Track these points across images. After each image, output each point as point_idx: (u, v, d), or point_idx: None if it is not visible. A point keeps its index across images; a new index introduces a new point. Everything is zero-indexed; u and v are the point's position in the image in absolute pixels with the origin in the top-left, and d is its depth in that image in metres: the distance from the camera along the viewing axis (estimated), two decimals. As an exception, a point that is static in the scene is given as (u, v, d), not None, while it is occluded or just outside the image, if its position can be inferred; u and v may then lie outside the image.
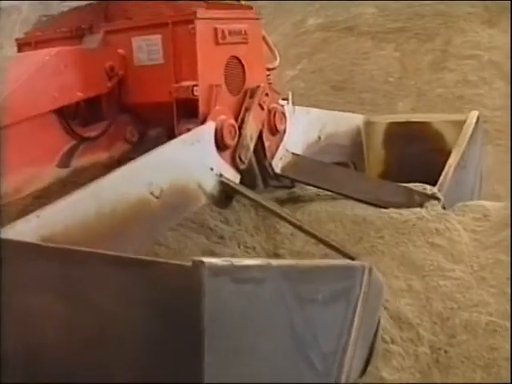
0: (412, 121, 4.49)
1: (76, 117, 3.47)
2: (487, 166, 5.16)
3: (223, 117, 3.31)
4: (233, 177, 3.34)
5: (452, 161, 3.91)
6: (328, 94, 8.94)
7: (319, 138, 4.09)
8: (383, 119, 4.62)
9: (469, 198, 3.94)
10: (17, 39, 4.09)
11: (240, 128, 3.40)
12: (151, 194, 2.79)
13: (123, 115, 3.60)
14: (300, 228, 3.19)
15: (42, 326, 2.02)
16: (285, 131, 3.76)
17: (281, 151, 3.70)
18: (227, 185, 3.24)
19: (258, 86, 3.55)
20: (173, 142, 3.10)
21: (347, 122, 4.47)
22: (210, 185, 3.20)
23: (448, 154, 3.99)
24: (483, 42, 8.63)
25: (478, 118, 4.29)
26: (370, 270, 2.58)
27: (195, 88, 3.21)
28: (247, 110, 3.45)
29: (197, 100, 3.23)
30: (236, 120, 3.39)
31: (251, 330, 1.93)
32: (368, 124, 4.53)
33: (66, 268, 1.97)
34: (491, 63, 8.26)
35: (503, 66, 8.11)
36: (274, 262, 2.07)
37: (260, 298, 1.93)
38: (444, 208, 3.52)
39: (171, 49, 3.33)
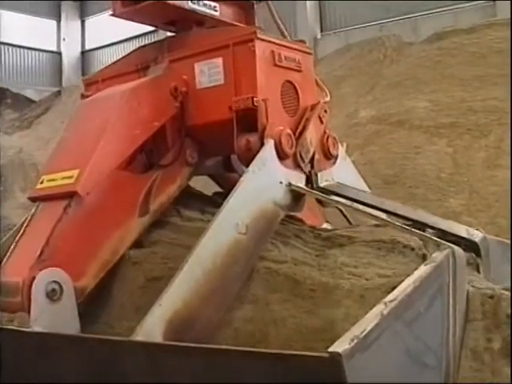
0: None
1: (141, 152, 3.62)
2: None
3: (280, 128, 3.40)
4: (299, 179, 3.47)
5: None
6: (379, 187, 8.85)
7: None
8: None
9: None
10: (84, 79, 4.31)
11: (300, 134, 3.51)
12: (239, 233, 3.03)
13: (183, 140, 3.71)
14: (382, 210, 3.28)
15: None
16: (336, 159, 3.83)
17: (327, 174, 3.72)
18: (297, 191, 3.38)
19: (319, 102, 3.67)
20: (243, 177, 3.24)
21: None
22: (283, 197, 3.34)
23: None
24: (538, 140, 8.49)
25: None
26: (453, 253, 2.69)
27: (255, 99, 3.33)
28: (307, 120, 3.58)
29: (256, 110, 3.33)
30: (294, 134, 3.47)
31: (383, 375, 2.20)
32: None
33: (214, 362, 2.23)
34: (546, 161, 8.10)
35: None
36: (384, 309, 2.24)
37: (382, 346, 2.19)
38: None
39: (232, 68, 3.49)
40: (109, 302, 3.36)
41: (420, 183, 8.65)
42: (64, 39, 20.70)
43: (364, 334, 2.08)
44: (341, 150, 3.91)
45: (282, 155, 3.36)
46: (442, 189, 8.48)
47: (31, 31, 19.87)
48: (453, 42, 11.12)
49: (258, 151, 3.32)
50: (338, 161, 3.85)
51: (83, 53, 20.95)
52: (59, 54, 20.67)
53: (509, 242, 3.91)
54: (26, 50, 19.98)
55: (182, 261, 3.21)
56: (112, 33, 18.72)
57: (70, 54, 20.64)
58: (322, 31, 13.76)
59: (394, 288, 2.72)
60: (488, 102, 9.48)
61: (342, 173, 3.84)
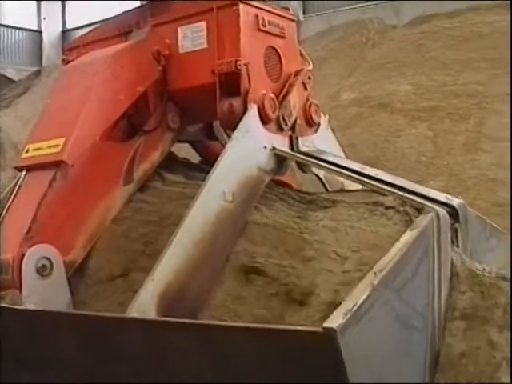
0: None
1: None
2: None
3: (263, 92, 3.39)
4: (282, 143, 3.47)
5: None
6: (360, 170, 8.83)
7: None
8: None
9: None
10: (65, 46, 4.27)
11: (283, 98, 3.51)
12: (226, 201, 3.05)
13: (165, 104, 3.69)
14: (364, 175, 3.27)
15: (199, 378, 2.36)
16: (317, 127, 3.84)
17: (309, 141, 3.72)
18: (281, 155, 3.39)
19: (303, 69, 3.67)
20: (228, 144, 3.25)
21: None
22: (267, 161, 3.36)
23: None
24: (518, 124, 8.51)
25: None
26: (438, 216, 2.74)
27: (238, 62, 3.31)
28: (291, 85, 3.57)
29: (239, 74, 3.31)
30: (277, 98, 3.47)
31: (376, 344, 2.25)
32: None
33: (209, 338, 2.28)
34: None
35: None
36: (374, 279, 2.26)
37: (374, 316, 2.22)
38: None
39: (215, 32, 3.47)
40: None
41: (401, 166, 8.62)
42: (44, 18, 20.46)
43: (356, 307, 2.11)
44: (323, 119, 3.91)
45: (265, 119, 3.36)
46: (423, 172, 8.47)
47: (11, 10, 19.61)
48: (435, 26, 11.12)
49: (240, 115, 3.32)
50: (320, 129, 3.85)
51: (64, 32, 20.69)
52: (39, 32, 20.46)
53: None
54: (5, 29, 19.65)
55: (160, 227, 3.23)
56: (93, 12, 18.52)
57: (51, 33, 20.38)
58: (304, 13, 13.69)
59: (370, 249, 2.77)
60: (469, 86, 9.48)
61: (323, 141, 3.84)
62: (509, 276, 2.86)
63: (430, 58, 10.44)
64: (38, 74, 13.68)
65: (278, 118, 3.45)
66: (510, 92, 7.84)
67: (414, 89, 9.88)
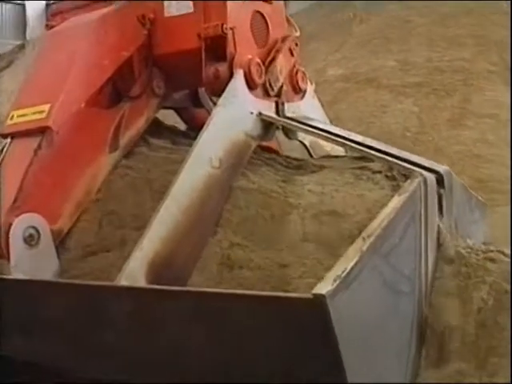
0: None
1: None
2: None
3: (249, 56, 3.38)
4: (269, 108, 3.45)
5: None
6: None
7: None
8: None
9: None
10: (49, 11, 4.22)
11: (270, 63, 3.49)
12: (213, 168, 3.03)
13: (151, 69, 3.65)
14: (352, 140, 3.26)
15: (189, 346, 2.36)
16: (303, 94, 3.82)
17: (295, 107, 3.70)
18: (267, 120, 3.38)
19: (289, 35, 3.66)
20: (214, 110, 3.22)
21: None
22: (254, 127, 3.34)
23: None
24: (502, 101, 8.55)
25: None
26: (425, 181, 2.75)
27: (224, 26, 3.29)
28: (278, 51, 3.56)
29: (225, 38, 3.29)
30: (263, 64, 3.46)
31: (365, 309, 2.25)
32: None
33: (200, 305, 2.29)
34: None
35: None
36: (363, 245, 2.25)
37: (363, 282, 2.21)
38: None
39: (201, -4, 3.43)
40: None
41: (386, 141, 8.57)
42: (28, -9, 20.23)
43: (345, 273, 2.10)
44: (309, 87, 3.90)
45: (251, 85, 3.34)
46: (408, 147, 8.43)
47: (-7, -17, 19.34)
48: (423, 2, 11.11)
49: (226, 81, 3.30)
50: (306, 96, 3.84)
51: (48, 5, 20.38)
52: (23, 5, 20.19)
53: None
54: (-13, 2, 19.46)
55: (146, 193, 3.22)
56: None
57: (35, 5, 20.10)
58: (292, -12, 13.61)
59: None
60: (455, 63, 9.51)
61: (310, 108, 3.83)
62: (496, 257, 2.85)
63: (416, 34, 10.45)
64: (21, 47, 13.54)
65: (264, 84, 3.43)
66: (509, 86, 7.81)
67: (400, 65, 9.90)
